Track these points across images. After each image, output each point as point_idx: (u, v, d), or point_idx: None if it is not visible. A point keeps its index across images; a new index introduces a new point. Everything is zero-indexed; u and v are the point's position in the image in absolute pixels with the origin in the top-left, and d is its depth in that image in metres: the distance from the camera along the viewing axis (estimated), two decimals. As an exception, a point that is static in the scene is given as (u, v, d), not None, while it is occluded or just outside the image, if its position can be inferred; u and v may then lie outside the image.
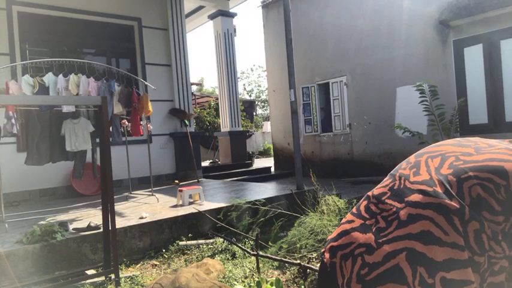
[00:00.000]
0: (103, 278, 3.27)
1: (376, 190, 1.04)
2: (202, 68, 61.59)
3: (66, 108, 5.14)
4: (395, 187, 0.98)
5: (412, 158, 1.06)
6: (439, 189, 0.89)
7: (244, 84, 33.02)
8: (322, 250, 1.06)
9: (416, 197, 0.91)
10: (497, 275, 0.87)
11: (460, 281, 0.83)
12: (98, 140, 5.28)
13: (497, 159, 0.93)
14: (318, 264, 3.37)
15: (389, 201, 0.96)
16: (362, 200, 1.08)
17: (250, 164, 10.97)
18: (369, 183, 7.96)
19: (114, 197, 3.34)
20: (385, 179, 1.07)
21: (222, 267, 3.39)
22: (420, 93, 6.59)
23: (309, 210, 4.24)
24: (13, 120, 4.80)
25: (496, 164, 0.91)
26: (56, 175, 6.86)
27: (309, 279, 3.02)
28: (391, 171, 1.08)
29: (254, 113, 25.79)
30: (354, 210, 1.07)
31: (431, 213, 0.87)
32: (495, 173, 0.90)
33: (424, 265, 0.84)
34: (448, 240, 0.84)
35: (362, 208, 1.04)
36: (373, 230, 0.94)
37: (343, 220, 1.07)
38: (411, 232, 0.87)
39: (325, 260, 1.01)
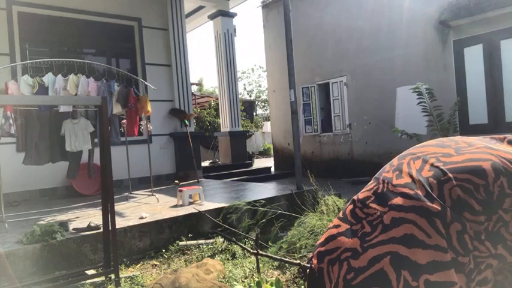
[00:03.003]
0: (103, 278, 3.27)
1: (361, 194, 1.05)
2: (202, 68, 61.61)
3: (62, 108, 5.13)
4: (379, 191, 0.99)
5: (395, 161, 1.07)
6: (420, 192, 0.90)
7: (244, 84, 33.03)
8: (310, 255, 1.06)
9: (399, 200, 0.91)
10: (483, 272, 0.88)
11: (443, 283, 0.83)
12: (96, 140, 5.31)
13: (476, 159, 0.93)
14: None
15: (373, 205, 0.97)
16: (348, 204, 1.09)
17: (250, 164, 10.96)
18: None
19: (114, 197, 3.34)
20: (369, 183, 1.07)
21: (222, 267, 3.39)
22: (418, 94, 6.60)
23: (309, 211, 4.24)
24: (11, 121, 4.80)
25: (474, 164, 0.92)
26: (56, 175, 6.86)
27: (309, 280, 3.02)
28: (376, 175, 1.08)
29: (254, 113, 25.80)
30: (341, 214, 1.07)
31: (413, 217, 0.87)
32: (473, 173, 0.90)
33: (407, 268, 0.84)
34: (431, 242, 0.85)
35: (348, 212, 1.04)
36: (359, 234, 0.95)
37: (331, 225, 1.07)
38: (395, 236, 0.88)
39: (313, 265, 1.02)
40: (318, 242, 1.07)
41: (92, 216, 4.70)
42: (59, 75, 5.30)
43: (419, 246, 0.85)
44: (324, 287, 0.98)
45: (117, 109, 5.83)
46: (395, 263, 0.85)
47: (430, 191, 0.90)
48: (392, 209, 0.91)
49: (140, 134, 6.63)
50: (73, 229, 4.01)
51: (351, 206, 1.05)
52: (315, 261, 1.02)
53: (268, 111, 24.27)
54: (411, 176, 0.95)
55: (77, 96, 5.13)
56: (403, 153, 1.09)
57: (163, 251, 4.11)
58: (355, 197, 1.07)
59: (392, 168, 1.03)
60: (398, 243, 0.87)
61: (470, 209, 0.87)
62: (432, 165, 0.96)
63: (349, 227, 0.99)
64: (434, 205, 0.87)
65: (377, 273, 0.87)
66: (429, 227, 0.86)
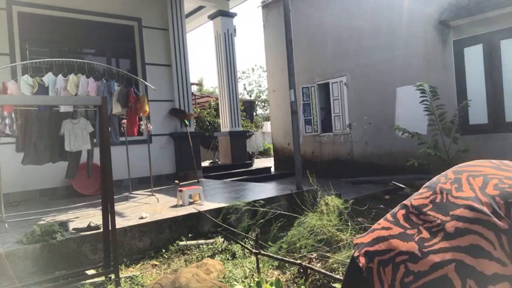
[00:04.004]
0: (103, 278, 3.27)
1: (415, 201, 1.04)
2: (202, 68, 61.60)
3: (63, 108, 5.14)
4: (438, 200, 0.99)
5: (450, 174, 1.07)
6: (486, 208, 0.90)
7: (244, 84, 33.06)
8: (356, 254, 1.06)
9: (462, 212, 0.92)
10: None
11: None
12: (95, 140, 5.31)
13: None
14: (319, 265, 3.37)
15: (432, 213, 0.97)
16: (398, 208, 1.08)
17: (250, 164, 10.96)
18: (368, 184, 7.96)
19: (114, 197, 3.34)
20: (422, 191, 1.07)
21: (222, 267, 3.39)
22: (421, 93, 6.60)
23: (309, 211, 4.24)
24: (7, 121, 4.78)
25: None
26: (56, 175, 6.85)
27: (309, 280, 3.02)
28: (427, 184, 1.08)
29: (254, 113, 25.80)
30: (390, 217, 1.07)
31: (480, 229, 0.88)
32: None
33: (473, 278, 0.85)
34: (496, 255, 0.86)
35: (400, 217, 1.04)
36: (416, 239, 0.95)
37: (377, 226, 1.07)
38: (459, 245, 0.88)
39: (360, 264, 1.02)
40: (360, 241, 1.06)
41: (92, 216, 4.70)
42: (60, 75, 5.30)
43: (486, 257, 0.86)
44: (372, 287, 0.98)
45: (116, 109, 5.83)
46: (461, 271, 0.86)
47: (497, 209, 0.90)
48: (456, 219, 0.92)
49: (140, 134, 6.63)
50: (73, 229, 4.01)
51: (403, 211, 1.05)
52: (362, 259, 1.02)
53: (268, 111, 24.28)
54: (474, 191, 0.96)
55: (77, 96, 5.13)
56: (457, 168, 1.09)
57: (163, 251, 4.11)
58: (406, 203, 1.07)
59: (449, 181, 1.03)
60: (464, 253, 0.87)
61: None
62: (496, 185, 0.96)
63: (402, 230, 0.99)
64: (501, 223, 0.88)
65: (440, 279, 0.87)
66: (496, 240, 0.87)
